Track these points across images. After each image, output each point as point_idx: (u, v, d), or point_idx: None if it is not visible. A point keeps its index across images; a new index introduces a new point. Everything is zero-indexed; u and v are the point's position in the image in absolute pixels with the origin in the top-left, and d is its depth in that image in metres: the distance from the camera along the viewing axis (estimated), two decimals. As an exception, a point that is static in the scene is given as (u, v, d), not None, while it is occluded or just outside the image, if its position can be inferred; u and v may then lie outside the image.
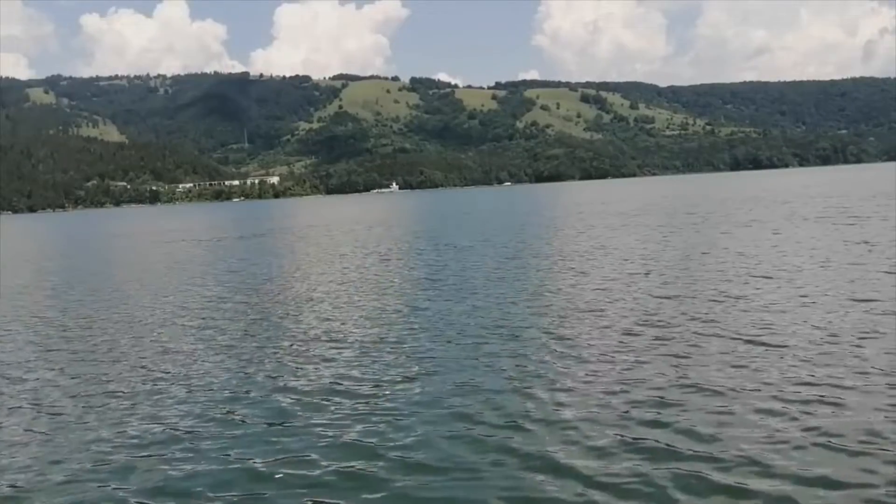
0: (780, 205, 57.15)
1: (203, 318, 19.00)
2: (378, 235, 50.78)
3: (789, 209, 50.72)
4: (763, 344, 13.00)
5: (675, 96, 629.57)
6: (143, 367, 13.90)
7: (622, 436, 9.03)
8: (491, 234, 45.76)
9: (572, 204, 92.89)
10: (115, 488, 8.43)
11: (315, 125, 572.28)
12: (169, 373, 13.38)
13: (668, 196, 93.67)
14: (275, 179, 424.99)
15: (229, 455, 9.19)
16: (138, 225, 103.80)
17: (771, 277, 20.50)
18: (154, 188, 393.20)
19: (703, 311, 16.29)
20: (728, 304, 17.04)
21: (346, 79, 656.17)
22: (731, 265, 23.65)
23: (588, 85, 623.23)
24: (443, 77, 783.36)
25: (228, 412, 10.90)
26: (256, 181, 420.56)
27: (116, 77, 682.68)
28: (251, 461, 8.96)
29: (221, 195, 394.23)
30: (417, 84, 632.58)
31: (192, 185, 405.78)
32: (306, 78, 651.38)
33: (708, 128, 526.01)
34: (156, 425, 10.46)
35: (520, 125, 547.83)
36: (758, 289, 18.77)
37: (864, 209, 45.26)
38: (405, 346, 14.60)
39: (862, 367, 11.25)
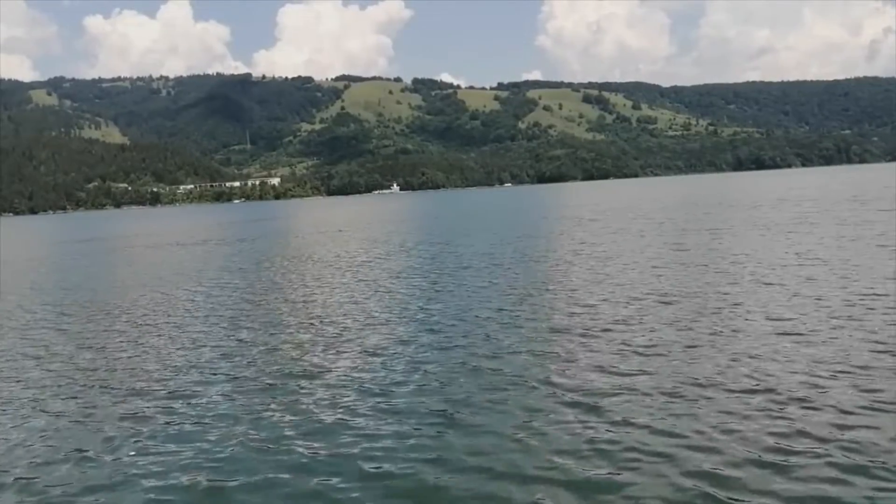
0: (750, 209, 55.82)
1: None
2: (337, 241, 49.74)
3: (756, 215, 49.41)
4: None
5: (677, 96, 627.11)
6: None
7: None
8: (437, 237, 44.68)
9: (545, 207, 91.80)
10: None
11: (317, 126, 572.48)
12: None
13: (645, 198, 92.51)
14: (276, 181, 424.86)
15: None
16: (110, 229, 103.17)
17: (666, 297, 19.27)
18: (155, 190, 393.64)
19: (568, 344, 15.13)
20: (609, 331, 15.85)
21: (349, 80, 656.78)
22: (643, 278, 22.45)
23: (590, 85, 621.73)
24: (446, 78, 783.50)
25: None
26: (257, 182, 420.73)
27: (119, 78, 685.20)
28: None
29: (222, 196, 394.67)
30: (420, 85, 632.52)
31: (192, 186, 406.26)
32: (308, 79, 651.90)
33: (710, 128, 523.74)
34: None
35: (522, 126, 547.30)
36: (656, 307, 17.59)
37: (829, 215, 43.98)
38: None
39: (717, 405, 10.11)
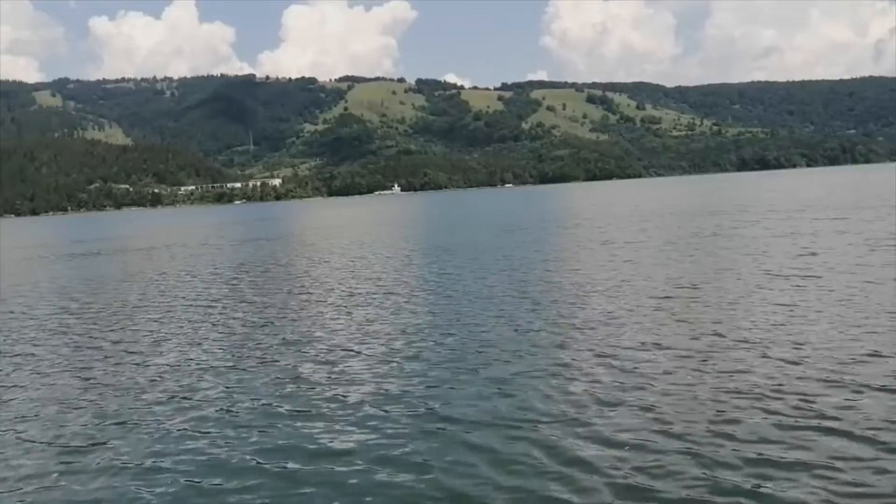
0: (698, 217, 54.03)
1: None
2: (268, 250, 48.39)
3: (691, 224, 47.68)
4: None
5: (682, 97, 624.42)
6: None
7: None
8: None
9: (507, 212, 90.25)
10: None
11: (320, 127, 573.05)
12: None
13: (603, 203, 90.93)
14: (277, 182, 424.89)
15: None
16: (89, 233, 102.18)
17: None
18: (156, 191, 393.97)
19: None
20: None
21: (352, 80, 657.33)
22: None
23: (594, 86, 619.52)
24: (450, 78, 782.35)
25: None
26: (258, 184, 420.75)
27: (123, 80, 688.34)
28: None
29: (223, 198, 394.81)
30: (423, 85, 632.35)
31: (193, 187, 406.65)
32: (312, 80, 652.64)
33: (715, 128, 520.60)
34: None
35: (525, 126, 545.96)
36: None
37: (768, 224, 42.23)
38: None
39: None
